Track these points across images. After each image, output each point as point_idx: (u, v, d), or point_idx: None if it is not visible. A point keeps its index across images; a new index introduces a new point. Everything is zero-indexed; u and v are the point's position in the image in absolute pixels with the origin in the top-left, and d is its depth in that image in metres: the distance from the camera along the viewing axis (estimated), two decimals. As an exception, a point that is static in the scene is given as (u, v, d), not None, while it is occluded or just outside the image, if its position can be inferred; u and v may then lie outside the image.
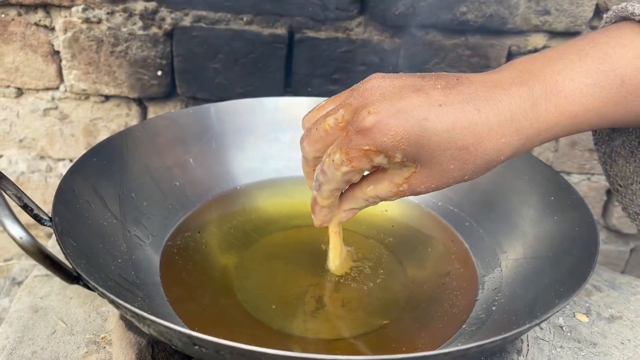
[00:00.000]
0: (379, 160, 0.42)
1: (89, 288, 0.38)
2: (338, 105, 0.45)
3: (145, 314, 0.34)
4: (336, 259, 0.58)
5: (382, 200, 0.49)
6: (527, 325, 0.37)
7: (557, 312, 0.39)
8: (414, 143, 0.40)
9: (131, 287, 0.50)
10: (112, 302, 0.37)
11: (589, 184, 1.01)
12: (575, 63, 0.43)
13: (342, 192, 0.51)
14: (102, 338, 0.58)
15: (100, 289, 0.37)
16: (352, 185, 0.49)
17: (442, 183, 0.44)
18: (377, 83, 0.43)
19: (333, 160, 0.44)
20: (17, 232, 0.34)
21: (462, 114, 0.40)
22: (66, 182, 0.51)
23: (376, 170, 0.47)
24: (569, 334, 0.61)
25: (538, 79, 0.43)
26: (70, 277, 0.38)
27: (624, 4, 0.46)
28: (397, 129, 0.40)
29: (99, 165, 0.58)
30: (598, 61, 0.43)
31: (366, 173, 0.48)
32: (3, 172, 0.44)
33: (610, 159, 0.60)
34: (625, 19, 0.46)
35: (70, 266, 0.39)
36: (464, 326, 0.52)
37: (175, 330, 0.34)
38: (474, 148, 0.41)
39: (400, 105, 0.40)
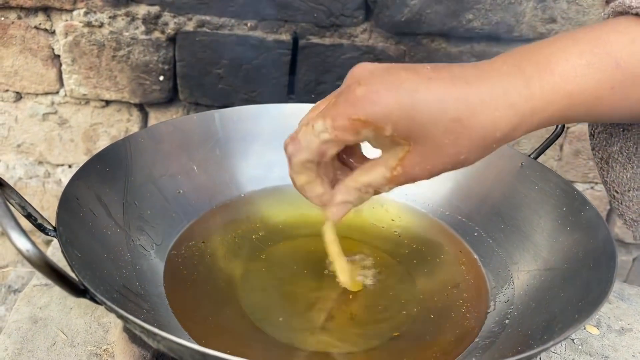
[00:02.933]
0: (366, 133, 0.40)
1: (95, 302, 0.37)
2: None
3: (156, 330, 0.33)
4: (342, 273, 0.56)
5: (375, 192, 0.46)
6: (552, 342, 0.36)
7: (579, 328, 0.38)
8: (405, 115, 0.39)
9: (136, 299, 0.49)
10: (120, 317, 0.36)
11: (593, 192, 1.00)
12: (568, 47, 0.42)
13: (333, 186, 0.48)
14: (104, 350, 0.57)
15: (108, 302, 0.36)
16: (344, 175, 0.47)
17: (437, 164, 0.42)
18: (365, 66, 0.42)
19: (313, 127, 0.42)
20: (24, 244, 0.32)
21: (452, 86, 0.39)
22: (70, 190, 0.50)
23: (369, 160, 0.45)
24: (580, 346, 0.60)
25: (530, 61, 0.42)
26: (77, 290, 0.36)
27: None
28: (387, 99, 0.39)
29: (103, 173, 0.57)
30: (592, 44, 0.42)
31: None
32: (1, 177, 0.42)
33: (607, 165, 0.59)
34: (622, 13, 0.45)
35: (77, 279, 0.38)
36: (476, 340, 0.51)
37: (187, 347, 0.33)
38: (467, 120, 0.39)
39: (390, 79, 0.40)
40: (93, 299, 0.37)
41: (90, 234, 0.50)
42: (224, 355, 0.32)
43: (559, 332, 0.39)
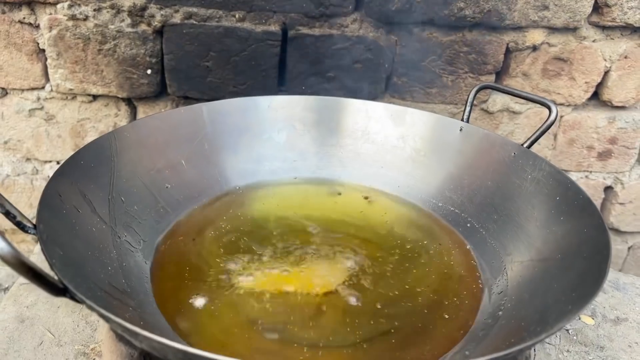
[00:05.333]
0: None
1: (76, 300, 0.36)
2: None
3: (137, 329, 0.32)
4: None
5: None
6: (544, 335, 0.35)
7: (571, 320, 0.38)
8: None
9: (122, 297, 0.48)
10: (102, 316, 0.35)
11: (587, 181, 0.99)
12: None
13: None
14: (92, 349, 0.56)
15: (89, 302, 0.35)
16: None
17: None
18: None
19: None
20: (-2, 243, 0.31)
21: None
22: (51, 186, 0.48)
23: None
24: (575, 337, 0.59)
25: None
26: (56, 289, 0.35)
27: None
28: None
29: (87, 168, 0.56)
30: None
31: None
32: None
33: None
34: None
35: (57, 277, 0.36)
36: (470, 332, 0.50)
37: (169, 346, 0.32)
38: None
39: None
40: (73, 297, 0.36)
41: (73, 231, 0.49)
42: (206, 353, 0.31)
43: (552, 324, 0.39)
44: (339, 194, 0.73)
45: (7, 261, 0.31)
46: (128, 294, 0.49)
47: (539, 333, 0.36)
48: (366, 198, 0.72)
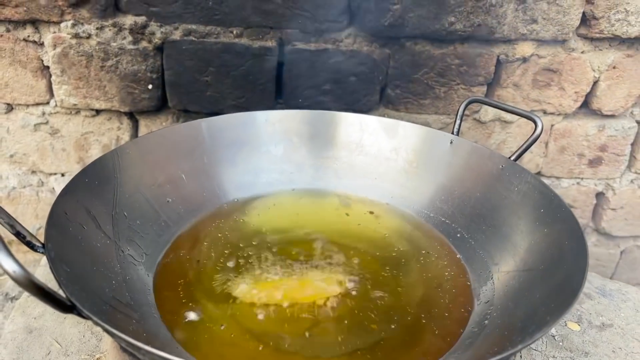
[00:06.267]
0: None
1: (83, 317, 0.38)
2: None
3: (140, 344, 0.34)
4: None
5: None
6: (520, 346, 0.38)
7: (548, 330, 0.40)
8: None
9: (126, 310, 0.50)
10: (106, 331, 0.37)
11: (579, 188, 1.02)
12: None
13: None
14: (97, 359, 0.58)
15: (94, 318, 0.37)
16: None
17: None
18: None
19: None
20: (11, 266, 0.34)
21: None
22: (58, 205, 0.51)
23: None
24: (561, 343, 0.62)
25: None
26: (64, 306, 0.38)
27: None
28: None
29: (91, 186, 0.58)
30: None
31: None
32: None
33: None
34: None
35: (64, 295, 0.39)
36: (458, 341, 0.52)
37: (170, 360, 0.34)
38: None
39: None
40: (80, 314, 0.38)
41: (79, 247, 0.51)
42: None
43: (532, 334, 0.41)
44: (335, 204, 0.75)
45: (19, 282, 0.34)
46: (131, 307, 0.51)
47: (518, 343, 0.39)
48: (361, 209, 0.74)
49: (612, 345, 0.62)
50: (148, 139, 0.68)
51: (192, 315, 0.55)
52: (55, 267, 0.42)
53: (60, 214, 0.51)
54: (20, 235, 0.45)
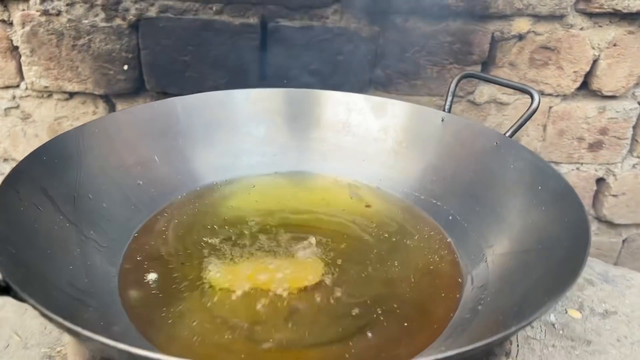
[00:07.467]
0: None
1: (19, 299, 0.34)
2: None
3: (75, 327, 0.30)
4: None
5: None
6: (513, 329, 0.33)
7: (546, 312, 0.36)
8: None
9: (82, 296, 0.46)
10: (43, 315, 0.33)
11: (579, 173, 0.97)
12: None
13: None
14: (58, 352, 0.54)
15: (31, 300, 0.33)
16: None
17: None
18: None
19: None
20: None
21: None
22: (8, 183, 0.46)
23: None
24: (561, 331, 0.57)
25: None
26: (-1, 288, 0.33)
27: None
28: None
29: (50, 165, 0.54)
30: None
31: None
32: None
33: None
34: None
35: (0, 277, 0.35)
36: (447, 328, 0.48)
37: (112, 347, 0.30)
38: None
39: None
40: (16, 296, 0.34)
41: (32, 229, 0.47)
42: (151, 354, 0.29)
43: (528, 317, 0.36)
44: (321, 188, 0.71)
45: None
46: (90, 294, 0.47)
47: (510, 326, 0.34)
48: (349, 192, 0.70)
49: (616, 333, 0.57)
50: (116, 117, 0.64)
51: (159, 305, 0.50)
52: (-6, 246, 0.38)
53: (10, 192, 0.46)
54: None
